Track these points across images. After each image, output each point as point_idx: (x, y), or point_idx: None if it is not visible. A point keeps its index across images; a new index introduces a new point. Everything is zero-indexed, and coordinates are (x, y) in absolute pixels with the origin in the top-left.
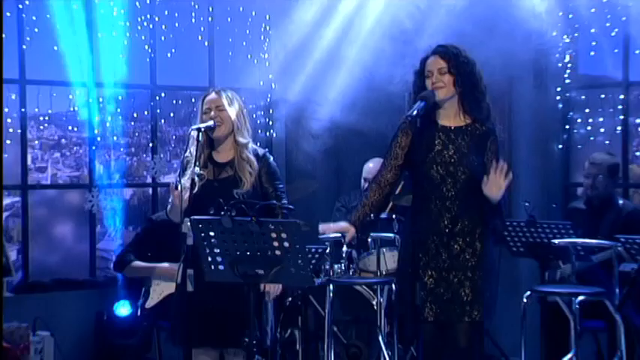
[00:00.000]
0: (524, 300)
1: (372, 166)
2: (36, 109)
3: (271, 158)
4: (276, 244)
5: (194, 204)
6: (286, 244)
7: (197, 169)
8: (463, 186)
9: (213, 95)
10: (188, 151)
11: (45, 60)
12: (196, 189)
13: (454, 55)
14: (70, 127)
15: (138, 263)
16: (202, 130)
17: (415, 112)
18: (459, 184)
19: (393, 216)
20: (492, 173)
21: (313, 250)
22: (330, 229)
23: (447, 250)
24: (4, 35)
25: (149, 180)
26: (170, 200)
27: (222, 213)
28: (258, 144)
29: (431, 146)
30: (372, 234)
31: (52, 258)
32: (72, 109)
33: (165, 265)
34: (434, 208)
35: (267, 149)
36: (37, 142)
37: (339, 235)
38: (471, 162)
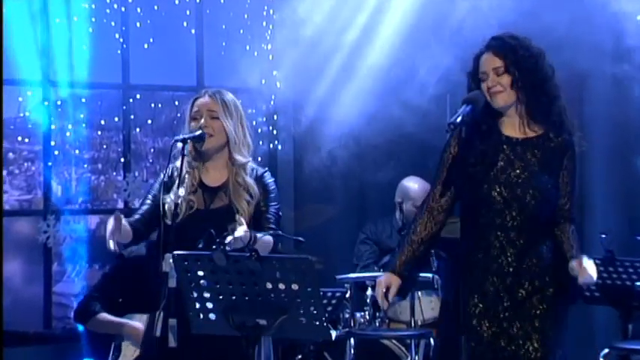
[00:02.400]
0: (602, 359)
1: (416, 187)
2: None
3: (271, 179)
4: (282, 286)
5: (178, 236)
6: (295, 286)
7: (182, 190)
8: (532, 213)
9: (205, 98)
10: (170, 168)
11: None
12: (180, 218)
13: (511, 50)
14: (19, 138)
15: (104, 316)
16: (188, 141)
17: (459, 119)
18: (527, 211)
19: (431, 250)
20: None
21: (329, 293)
22: (380, 291)
23: (510, 295)
24: None
25: (120, 205)
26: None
27: (214, 247)
28: (260, 159)
29: (492, 162)
30: None
31: None
32: (21, 114)
33: (137, 325)
34: (494, 241)
35: (266, 168)
36: None
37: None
38: (542, 183)
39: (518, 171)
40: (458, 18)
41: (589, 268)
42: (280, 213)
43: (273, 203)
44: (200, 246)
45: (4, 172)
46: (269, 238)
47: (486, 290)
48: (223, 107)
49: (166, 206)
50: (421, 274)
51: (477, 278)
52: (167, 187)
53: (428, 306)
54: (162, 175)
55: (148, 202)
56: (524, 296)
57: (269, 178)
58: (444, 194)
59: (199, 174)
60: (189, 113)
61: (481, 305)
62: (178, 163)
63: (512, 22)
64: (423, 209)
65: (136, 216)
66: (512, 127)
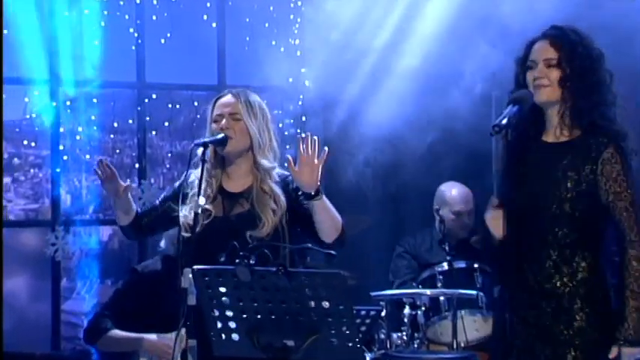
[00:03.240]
0: None
1: (453, 192)
2: None
3: None
4: (312, 304)
5: (198, 248)
6: (326, 303)
7: (202, 199)
8: (578, 226)
9: (227, 98)
10: (188, 175)
11: None
12: (199, 228)
13: (569, 43)
14: (25, 142)
15: (117, 332)
16: (209, 145)
17: (505, 120)
18: (577, 225)
19: (475, 265)
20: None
21: (363, 312)
22: None
23: (566, 318)
24: None
25: None
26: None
27: (238, 261)
28: (286, 165)
29: (525, 168)
30: (444, 290)
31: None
32: (27, 116)
33: (154, 338)
34: (544, 258)
35: None
36: None
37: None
38: (569, 192)
39: (545, 179)
40: (504, 12)
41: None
42: None
43: None
44: (222, 260)
45: (9, 180)
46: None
47: (541, 312)
48: (247, 108)
49: (182, 219)
50: (464, 292)
51: (525, 299)
52: (184, 195)
53: (472, 326)
54: (179, 182)
55: (157, 202)
56: (583, 317)
57: None
58: None
59: (219, 181)
60: (210, 115)
61: (534, 332)
62: (198, 171)
63: (569, 15)
64: None
65: (144, 219)
66: (548, 130)
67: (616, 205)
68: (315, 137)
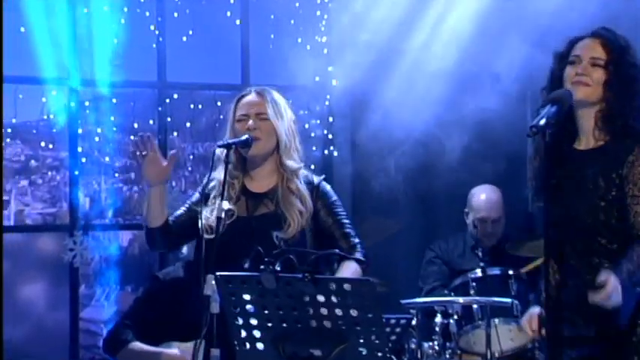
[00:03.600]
0: None
1: (482, 197)
2: None
3: (328, 187)
4: (339, 312)
5: (220, 253)
6: (354, 312)
7: (225, 203)
8: (592, 235)
9: (252, 97)
10: (213, 178)
11: (6, 46)
12: (222, 230)
13: (619, 49)
14: (42, 144)
15: (138, 345)
16: (234, 147)
17: (543, 121)
18: (588, 233)
19: (510, 272)
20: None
21: (393, 320)
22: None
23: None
24: None
25: None
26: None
27: (262, 267)
28: (313, 167)
29: (570, 179)
30: (478, 298)
31: (16, 332)
32: (45, 117)
33: (176, 353)
34: (587, 270)
35: (323, 176)
36: None
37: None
38: (599, 199)
39: (578, 189)
40: (539, 10)
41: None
42: (351, 223)
43: (342, 213)
44: (246, 266)
45: (26, 183)
46: (355, 266)
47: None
48: (273, 106)
49: (204, 220)
50: (498, 299)
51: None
52: (206, 197)
53: (506, 336)
54: (202, 186)
55: (184, 208)
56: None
57: (327, 186)
58: None
59: (242, 182)
60: (232, 115)
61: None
62: (219, 173)
63: (609, 13)
64: None
65: (170, 217)
66: (580, 136)
67: (631, 209)
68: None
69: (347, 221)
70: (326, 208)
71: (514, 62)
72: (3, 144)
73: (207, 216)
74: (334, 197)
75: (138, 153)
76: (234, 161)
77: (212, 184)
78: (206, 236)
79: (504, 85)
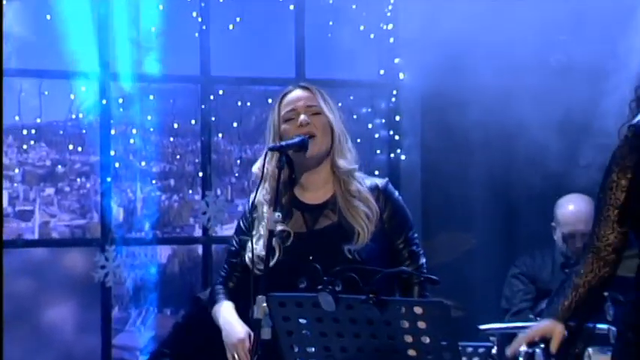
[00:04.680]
0: None
1: (569, 208)
2: (16, 118)
3: (396, 193)
4: (409, 339)
5: (275, 271)
6: (426, 338)
7: (277, 214)
8: None
9: (298, 92)
10: (261, 186)
11: (30, 36)
12: (277, 252)
13: None
14: (70, 147)
15: None
16: (286, 149)
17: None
18: None
19: (605, 293)
20: None
21: (470, 349)
22: (526, 339)
23: None
24: None
25: (198, 232)
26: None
27: (320, 287)
28: (377, 173)
29: None
30: (569, 324)
31: (42, 358)
32: (73, 116)
33: None
34: None
35: (387, 179)
36: (17, 170)
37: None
38: None
39: None
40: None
41: None
42: (420, 242)
43: (409, 231)
44: (302, 286)
45: (52, 191)
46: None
47: None
48: (324, 100)
49: (253, 252)
50: (593, 325)
51: None
52: (251, 223)
53: None
54: (248, 208)
55: (233, 247)
56: None
57: (396, 194)
58: (612, 229)
59: (292, 194)
60: (277, 116)
61: None
62: (272, 182)
63: None
64: (589, 248)
65: (229, 284)
66: None
67: None
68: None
69: (415, 236)
70: (393, 218)
71: (623, 57)
72: (25, 147)
73: (256, 246)
74: (403, 205)
75: None
76: (287, 168)
77: (257, 199)
78: (257, 271)
79: (599, 78)
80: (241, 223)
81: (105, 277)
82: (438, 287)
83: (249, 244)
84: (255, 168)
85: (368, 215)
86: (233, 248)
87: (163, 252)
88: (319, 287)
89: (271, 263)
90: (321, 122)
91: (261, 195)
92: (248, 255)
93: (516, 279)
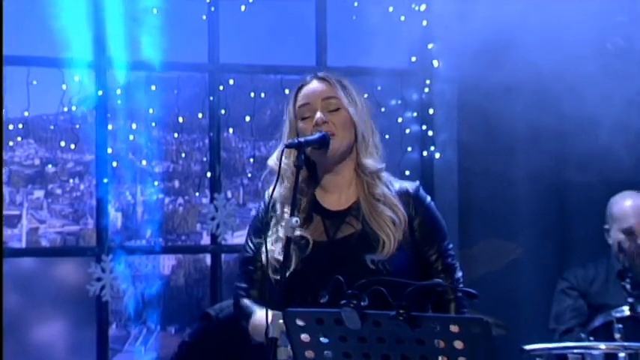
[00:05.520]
0: None
1: (627, 203)
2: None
3: (429, 198)
4: (443, 359)
5: (292, 284)
6: (463, 359)
7: (295, 219)
8: None
9: (315, 84)
10: (280, 186)
11: (19, 20)
12: (294, 261)
13: None
14: (62, 143)
15: None
16: (305, 146)
17: None
18: None
19: (611, 316)
20: None
21: None
22: None
23: None
24: None
25: (206, 240)
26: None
27: (344, 302)
28: (408, 173)
29: None
30: (626, 344)
31: None
32: (65, 109)
33: None
34: None
35: (418, 182)
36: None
37: None
38: None
39: None
40: None
41: None
42: (455, 253)
43: (443, 241)
44: (323, 300)
45: (42, 194)
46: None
47: None
48: (344, 92)
49: (270, 256)
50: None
51: None
52: (266, 225)
53: None
54: (263, 207)
55: (252, 266)
56: None
57: (428, 199)
58: None
59: (312, 198)
60: (292, 111)
61: None
62: (288, 184)
63: None
64: None
65: (253, 293)
66: None
67: None
68: None
69: (450, 247)
70: (424, 226)
71: None
72: (10, 144)
73: (272, 248)
74: (436, 213)
75: None
76: (306, 168)
77: (273, 199)
78: (272, 276)
79: None
80: (256, 223)
81: (101, 291)
82: (477, 303)
83: (265, 246)
84: (271, 161)
85: (394, 221)
86: (248, 254)
87: (167, 262)
88: (342, 302)
89: (287, 273)
90: (341, 119)
91: (278, 192)
92: (264, 258)
93: (564, 294)
